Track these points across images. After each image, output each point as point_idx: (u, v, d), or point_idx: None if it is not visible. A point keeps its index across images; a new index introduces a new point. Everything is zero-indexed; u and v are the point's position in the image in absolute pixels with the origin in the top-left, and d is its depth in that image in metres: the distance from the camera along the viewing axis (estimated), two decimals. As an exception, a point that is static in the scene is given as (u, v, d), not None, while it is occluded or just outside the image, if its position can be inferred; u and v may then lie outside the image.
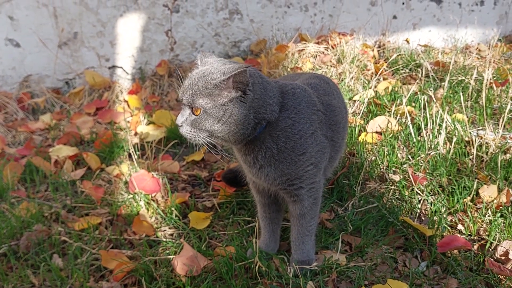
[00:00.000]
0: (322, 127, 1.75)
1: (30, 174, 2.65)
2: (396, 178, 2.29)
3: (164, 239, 2.05)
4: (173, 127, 2.97)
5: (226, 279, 1.76)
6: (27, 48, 3.58)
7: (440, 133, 2.48)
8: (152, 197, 2.35)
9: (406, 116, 2.64)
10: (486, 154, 2.38)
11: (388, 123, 2.64)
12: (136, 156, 2.60)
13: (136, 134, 3.07)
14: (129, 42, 3.78)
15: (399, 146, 2.55)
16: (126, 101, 3.58)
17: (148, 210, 2.28)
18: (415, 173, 2.31)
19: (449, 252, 1.85)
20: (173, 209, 2.20)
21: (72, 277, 1.88)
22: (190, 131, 1.52)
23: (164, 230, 2.14)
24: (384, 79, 3.40)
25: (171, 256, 1.89)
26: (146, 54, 3.85)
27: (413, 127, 2.58)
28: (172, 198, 2.26)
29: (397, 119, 2.73)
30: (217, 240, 2.08)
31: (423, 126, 2.60)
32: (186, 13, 3.83)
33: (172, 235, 2.12)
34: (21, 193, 2.50)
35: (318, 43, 3.91)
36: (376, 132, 2.67)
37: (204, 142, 1.54)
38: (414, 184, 2.21)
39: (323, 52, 3.79)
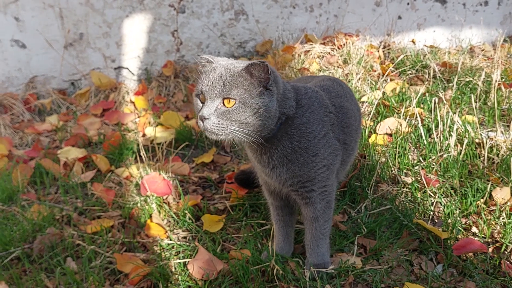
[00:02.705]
0: (335, 130, 1.75)
1: (39, 176, 2.64)
2: (408, 180, 2.29)
3: (178, 242, 2.05)
4: (181, 128, 2.96)
5: (243, 283, 1.76)
6: (33, 49, 3.56)
7: (451, 135, 2.48)
8: (163, 199, 2.35)
9: (416, 118, 2.64)
10: (497, 156, 2.39)
11: (398, 124, 2.64)
12: (147, 158, 2.59)
13: (144, 135, 3.06)
14: (135, 43, 3.77)
15: (409, 148, 2.55)
16: (133, 102, 3.57)
17: (160, 212, 2.28)
18: (427, 175, 2.32)
19: (464, 255, 1.85)
20: (186, 211, 2.20)
21: (87, 280, 1.87)
22: (218, 124, 1.48)
23: (177, 233, 2.14)
24: (391, 80, 3.40)
25: (187, 260, 1.89)
26: (152, 55, 3.84)
27: (423, 128, 2.58)
28: (185, 201, 2.25)
29: (407, 120, 2.73)
30: (230, 243, 2.07)
31: (433, 128, 2.60)
32: (192, 14, 3.83)
33: (185, 238, 2.12)
34: (31, 195, 2.49)
35: (324, 43, 3.91)
36: (386, 134, 2.67)
37: (231, 135, 1.51)
38: (426, 186, 2.21)
39: (329, 53, 3.79)
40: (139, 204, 2.33)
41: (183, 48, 3.89)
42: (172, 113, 3.16)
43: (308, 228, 1.82)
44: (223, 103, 1.49)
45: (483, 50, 4.25)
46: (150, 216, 2.22)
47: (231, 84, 1.48)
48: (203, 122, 1.49)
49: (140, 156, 2.62)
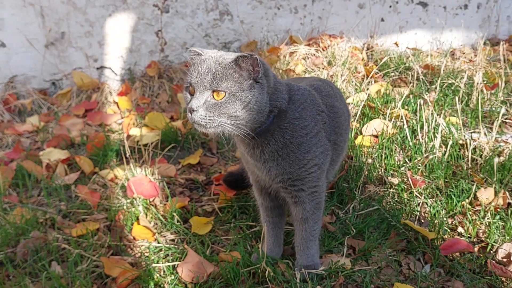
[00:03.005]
0: (326, 129, 1.76)
1: (21, 178, 2.58)
2: (395, 181, 2.32)
3: (166, 245, 2.02)
4: (167, 129, 2.93)
5: (234, 285, 1.75)
6: (13, 48, 3.48)
7: (435, 136, 2.51)
8: (150, 201, 2.32)
9: (402, 119, 2.68)
10: (481, 157, 2.43)
11: (384, 126, 2.67)
12: (133, 160, 2.56)
13: (128, 136, 3.02)
14: (118, 43, 3.72)
15: (395, 149, 2.58)
16: (116, 103, 3.52)
17: (146, 215, 2.25)
18: (413, 176, 2.34)
19: (451, 255, 1.88)
20: (174, 214, 2.18)
21: (74, 285, 1.84)
22: (206, 116, 1.46)
23: (165, 236, 2.12)
24: (375, 81, 3.44)
25: (176, 263, 1.87)
26: (135, 54, 3.79)
27: (408, 130, 2.61)
28: (173, 203, 2.23)
29: (392, 122, 2.75)
30: (219, 245, 2.06)
31: (418, 129, 2.63)
32: (176, 14, 3.79)
33: (173, 240, 2.09)
34: (13, 198, 2.43)
35: (309, 45, 3.93)
36: (372, 135, 2.69)
37: (221, 128, 1.49)
38: (413, 187, 2.24)
39: (314, 54, 3.81)
40: (125, 207, 2.30)
41: (167, 48, 3.85)
42: (157, 114, 3.12)
43: (298, 230, 1.82)
44: (213, 95, 1.47)
45: (463, 53, 4.33)
46: (137, 219, 2.19)
47: (221, 76, 1.46)
48: (191, 114, 1.47)
49: (126, 158, 2.59)
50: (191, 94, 1.53)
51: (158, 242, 2.06)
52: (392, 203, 2.21)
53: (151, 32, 3.77)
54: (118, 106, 3.49)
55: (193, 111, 1.47)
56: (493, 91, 3.10)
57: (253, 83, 1.50)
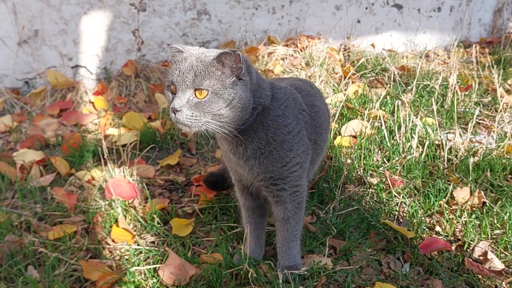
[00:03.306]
0: (307, 128, 1.76)
1: (-6, 180, 2.51)
2: (374, 181, 2.35)
3: (147, 247, 2.00)
4: (145, 130, 2.90)
5: (216, 287, 1.73)
6: (-16, 45, 3.38)
7: (412, 137, 2.56)
8: (129, 203, 2.28)
9: (380, 120, 2.71)
10: (456, 157, 2.49)
11: (362, 127, 2.70)
12: (111, 161, 2.51)
13: (105, 137, 2.97)
14: (94, 41, 3.65)
15: (374, 150, 2.61)
16: (92, 103, 3.46)
17: (125, 217, 2.21)
18: (391, 176, 2.38)
19: (429, 253, 1.91)
20: (154, 215, 2.15)
21: (52, 290, 1.79)
22: (192, 116, 1.44)
23: (145, 238, 2.09)
24: (352, 82, 3.48)
25: (158, 265, 1.84)
26: (111, 53, 3.73)
27: (386, 130, 2.65)
28: (152, 204, 2.20)
29: (370, 122, 2.79)
30: (200, 247, 2.04)
31: (396, 130, 2.68)
32: (153, 12, 3.75)
33: (153, 242, 2.07)
34: (-15, 201, 2.36)
35: (287, 45, 3.94)
36: (351, 136, 2.72)
37: (205, 127, 1.47)
38: (392, 187, 2.27)
39: (292, 55, 3.83)
40: (103, 209, 2.26)
41: (144, 48, 3.80)
42: (135, 114, 3.08)
43: (280, 230, 1.82)
44: (195, 94, 1.44)
45: (437, 54, 4.43)
46: (116, 221, 2.16)
47: (203, 74, 1.44)
48: (175, 114, 1.45)
49: (104, 159, 2.54)
50: (173, 93, 1.50)
51: (138, 245, 2.03)
52: (371, 203, 2.23)
53: (127, 31, 3.72)
54: (94, 106, 3.42)
55: (177, 111, 1.44)
56: (466, 93, 3.17)
57: (236, 80, 1.48)
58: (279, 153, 1.63)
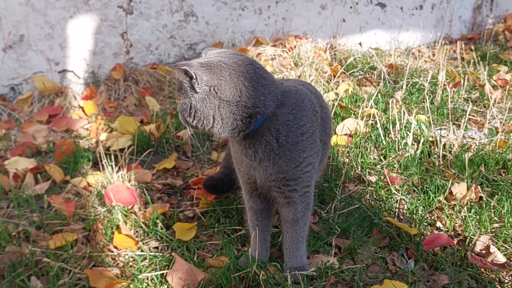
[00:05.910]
0: (319, 129, 1.78)
1: (-13, 190, 2.45)
2: (373, 179, 2.38)
3: (151, 253, 1.98)
4: (139, 134, 2.87)
5: (226, 291, 1.73)
6: (-33, 51, 3.30)
7: (407, 134, 2.60)
8: (129, 209, 2.26)
9: (375, 118, 2.75)
10: (450, 153, 2.53)
11: (356, 125, 2.73)
12: (109, 166, 2.48)
13: (99, 142, 2.92)
14: (81, 45, 3.60)
15: (370, 148, 2.64)
16: (81, 107, 3.40)
17: (126, 223, 2.19)
18: (390, 173, 2.41)
19: (432, 249, 1.95)
20: (157, 220, 2.13)
21: (58, 300, 1.76)
22: (181, 119, 1.62)
23: (148, 244, 2.07)
24: (342, 81, 3.51)
25: (165, 271, 1.83)
26: (99, 57, 3.68)
27: (381, 128, 2.68)
28: (154, 209, 2.18)
29: (364, 121, 2.82)
30: (204, 250, 2.04)
31: (390, 127, 2.71)
32: (140, 15, 3.71)
33: (157, 248, 2.05)
34: (-20, 211, 2.30)
35: (275, 46, 3.95)
36: (347, 135, 2.74)
37: (187, 134, 1.64)
38: (390, 184, 2.31)
39: (280, 55, 3.84)
40: (102, 216, 2.23)
41: (132, 50, 3.77)
42: (127, 118, 3.04)
43: (288, 231, 1.82)
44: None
45: (420, 52, 4.50)
46: (118, 227, 2.13)
47: (177, 86, 1.58)
48: None
49: (102, 164, 2.50)
50: None
51: (142, 251, 2.01)
52: (371, 200, 2.26)
53: (115, 34, 3.67)
54: (83, 110, 3.37)
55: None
56: (455, 89, 3.23)
57: (193, 93, 1.52)
58: (292, 154, 1.65)
